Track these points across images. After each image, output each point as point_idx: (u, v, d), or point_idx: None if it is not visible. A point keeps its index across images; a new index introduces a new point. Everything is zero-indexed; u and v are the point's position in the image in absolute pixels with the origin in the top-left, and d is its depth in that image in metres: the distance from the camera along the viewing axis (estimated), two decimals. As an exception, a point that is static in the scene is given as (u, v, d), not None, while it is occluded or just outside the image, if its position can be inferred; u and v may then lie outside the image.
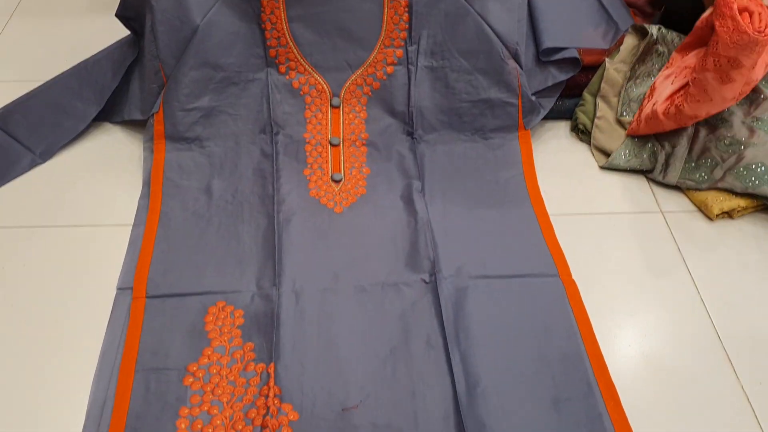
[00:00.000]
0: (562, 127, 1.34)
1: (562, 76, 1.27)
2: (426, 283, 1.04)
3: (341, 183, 1.19)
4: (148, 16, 1.18)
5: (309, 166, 1.22)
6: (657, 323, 1.03)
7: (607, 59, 1.29)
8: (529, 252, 1.10)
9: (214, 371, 0.95)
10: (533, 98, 1.25)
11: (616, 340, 1.00)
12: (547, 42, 1.23)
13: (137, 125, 1.29)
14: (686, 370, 0.97)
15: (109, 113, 1.30)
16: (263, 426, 0.88)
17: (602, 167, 1.25)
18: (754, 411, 0.93)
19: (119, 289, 1.05)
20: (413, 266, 1.07)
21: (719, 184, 1.16)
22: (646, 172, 1.24)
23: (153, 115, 1.21)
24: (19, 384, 0.94)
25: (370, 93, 1.26)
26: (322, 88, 1.26)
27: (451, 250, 1.09)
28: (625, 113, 1.27)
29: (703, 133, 1.19)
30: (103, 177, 1.22)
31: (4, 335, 0.99)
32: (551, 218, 1.15)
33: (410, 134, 1.26)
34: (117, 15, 1.24)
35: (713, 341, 1.00)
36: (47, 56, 1.47)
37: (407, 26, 1.22)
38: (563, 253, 1.10)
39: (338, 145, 1.24)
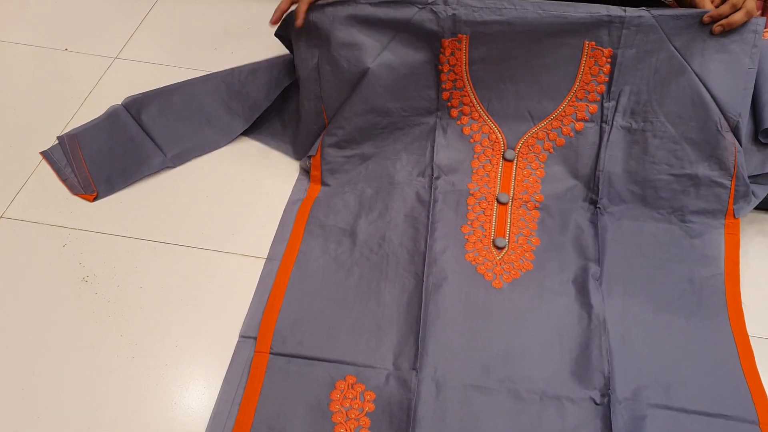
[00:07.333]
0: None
1: None
2: (596, 404, 0.87)
3: (504, 251, 1.02)
4: (314, 50, 1.07)
5: (469, 222, 1.05)
6: None
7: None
8: (722, 384, 0.90)
9: (335, 468, 0.82)
10: (748, 182, 1.04)
11: None
12: None
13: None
14: None
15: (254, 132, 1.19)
16: None
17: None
18: None
19: (242, 337, 0.93)
20: (581, 378, 0.90)
21: None
22: None
23: (309, 156, 1.11)
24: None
25: (551, 149, 1.09)
26: (496, 137, 1.10)
27: (629, 365, 0.91)
28: None
29: None
30: (236, 197, 1.10)
31: (113, 364, 0.88)
32: (750, 340, 0.95)
33: (593, 203, 1.07)
34: (277, 35, 1.13)
35: None
36: (195, 40, 1.36)
37: (607, 79, 1.05)
38: (765, 391, 0.90)
39: (506, 203, 1.07)
